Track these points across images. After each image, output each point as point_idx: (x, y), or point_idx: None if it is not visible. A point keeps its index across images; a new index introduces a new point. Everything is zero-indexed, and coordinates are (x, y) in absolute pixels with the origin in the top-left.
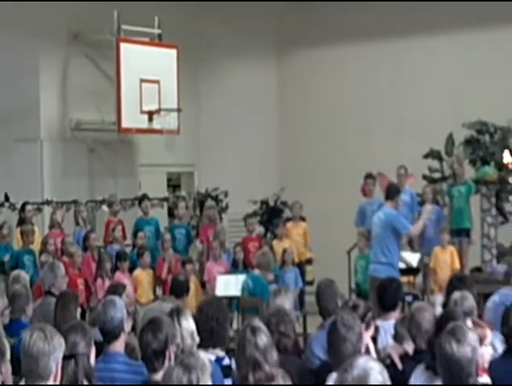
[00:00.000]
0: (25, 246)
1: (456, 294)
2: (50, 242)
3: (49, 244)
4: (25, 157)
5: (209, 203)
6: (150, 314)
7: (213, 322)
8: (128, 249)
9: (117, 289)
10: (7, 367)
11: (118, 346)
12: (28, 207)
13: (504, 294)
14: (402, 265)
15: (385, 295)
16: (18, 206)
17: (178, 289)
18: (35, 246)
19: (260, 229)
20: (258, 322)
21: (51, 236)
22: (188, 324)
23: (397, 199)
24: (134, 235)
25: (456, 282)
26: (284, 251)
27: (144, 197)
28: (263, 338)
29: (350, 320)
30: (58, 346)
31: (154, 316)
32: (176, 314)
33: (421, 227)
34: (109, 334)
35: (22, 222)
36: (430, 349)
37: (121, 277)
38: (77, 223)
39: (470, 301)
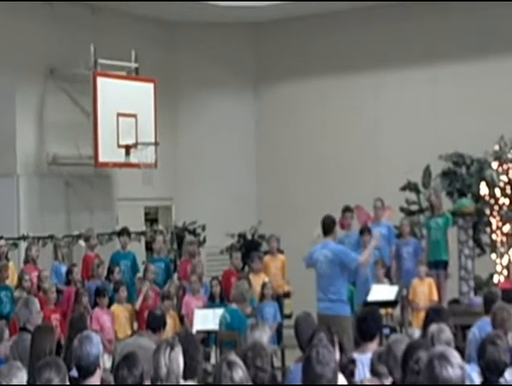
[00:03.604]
0: (0, 282)
1: (433, 327)
2: (25, 278)
3: (24, 280)
4: (1, 192)
5: (189, 238)
6: (126, 349)
7: (184, 355)
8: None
9: (81, 323)
10: None
11: (94, 382)
12: (1, 242)
13: (481, 325)
14: (378, 298)
15: (364, 325)
16: None
17: (154, 324)
18: (11, 281)
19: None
20: (233, 357)
21: (25, 271)
22: (178, 360)
23: (335, 230)
24: (109, 269)
25: (433, 315)
26: (264, 285)
27: (124, 231)
28: (239, 373)
29: (326, 355)
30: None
31: (129, 351)
32: (170, 347)
33: (368, 255)
34: (85, 369)
35: None
36: (403, 379)
37: (101, 312)
38: (56, 258)
39: (447, 333)
